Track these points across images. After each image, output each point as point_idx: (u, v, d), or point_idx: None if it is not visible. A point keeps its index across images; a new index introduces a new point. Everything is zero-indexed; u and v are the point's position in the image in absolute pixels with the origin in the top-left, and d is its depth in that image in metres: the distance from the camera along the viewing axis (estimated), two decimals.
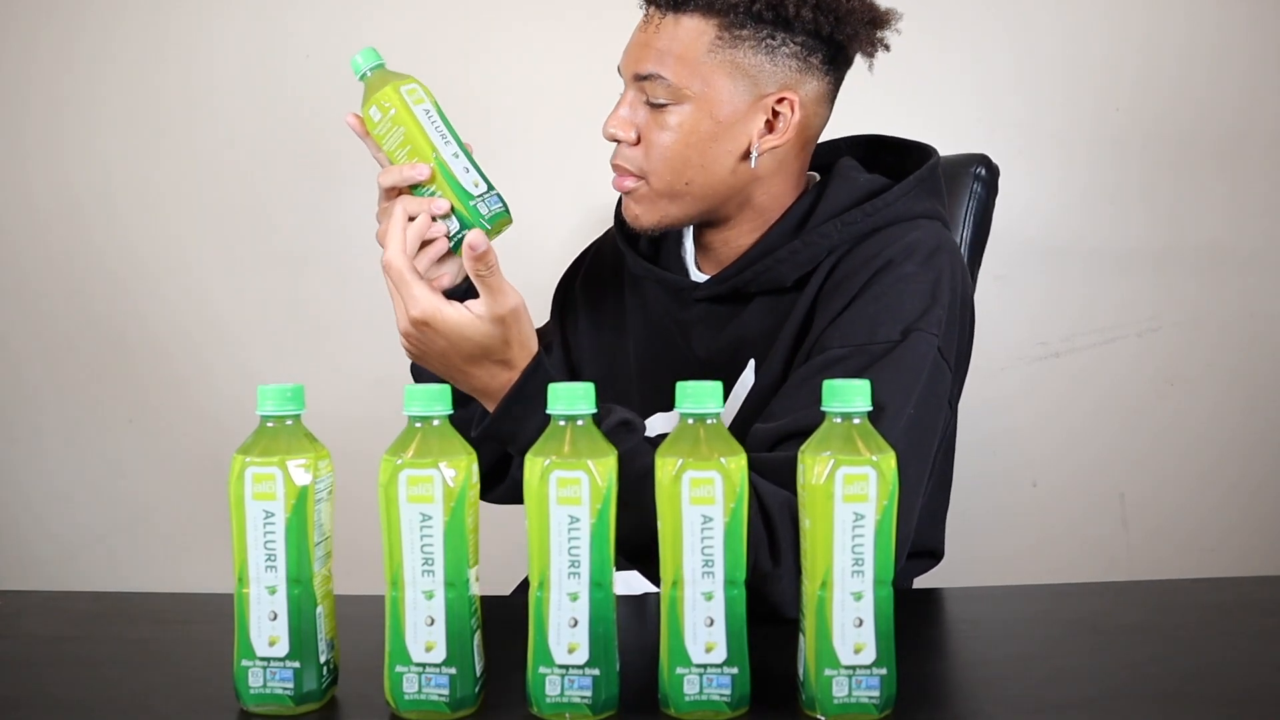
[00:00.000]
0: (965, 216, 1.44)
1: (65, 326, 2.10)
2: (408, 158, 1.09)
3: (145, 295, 2.09)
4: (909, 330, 1.12)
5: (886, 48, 1.23)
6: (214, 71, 2.05)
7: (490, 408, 1.06)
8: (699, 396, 0.83)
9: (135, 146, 2.07)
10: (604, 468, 0.81)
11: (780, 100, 1.19)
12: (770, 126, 1.20)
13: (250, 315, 2.08)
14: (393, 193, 1.10)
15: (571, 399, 0.83)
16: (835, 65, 1.22)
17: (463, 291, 1.12)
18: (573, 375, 1.41)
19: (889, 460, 0.81)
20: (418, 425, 0.84)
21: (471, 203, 1.09)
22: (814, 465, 0.81)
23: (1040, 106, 1.96)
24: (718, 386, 0.84)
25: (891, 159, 1.29)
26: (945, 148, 1.55)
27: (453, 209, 1.08)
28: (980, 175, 1.44)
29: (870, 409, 0.82)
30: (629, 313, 1.36)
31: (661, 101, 1.18)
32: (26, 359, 2.10)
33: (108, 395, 2.10)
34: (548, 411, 0.84)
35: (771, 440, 1.09)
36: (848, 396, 0.82)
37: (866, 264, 1.17)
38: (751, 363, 1.23)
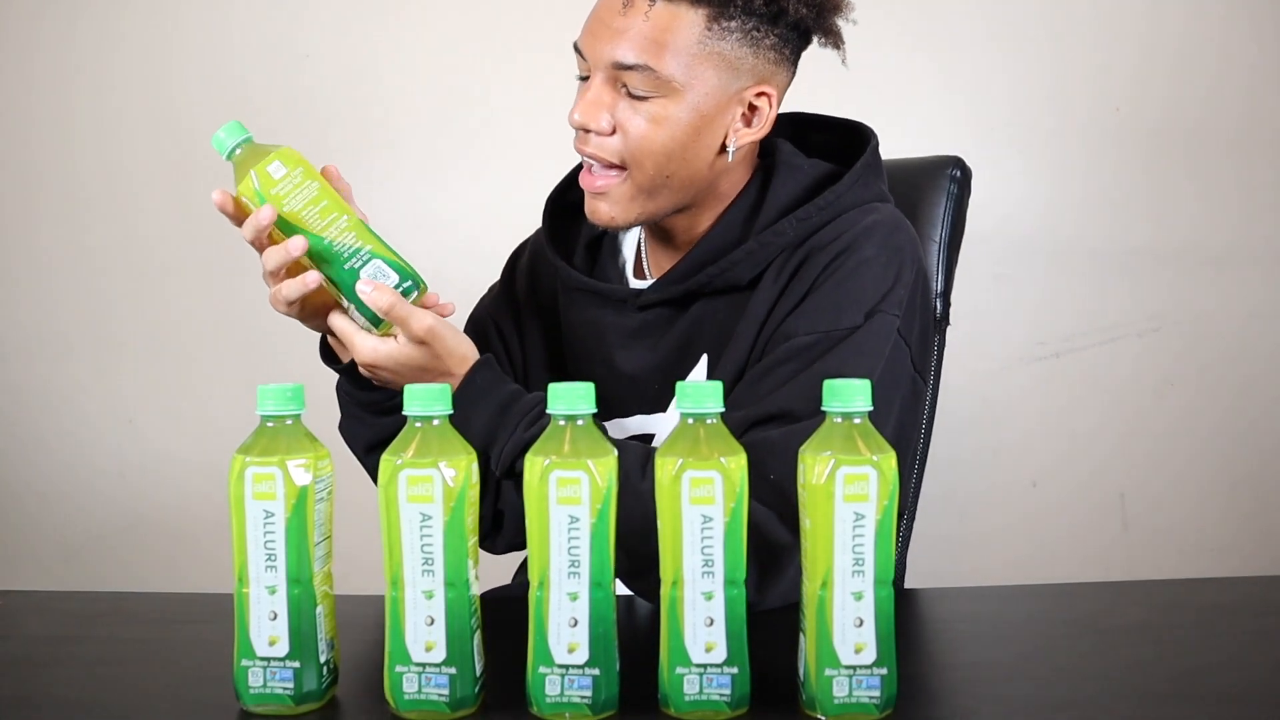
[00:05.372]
0: (943, 217, 1.47)
1: (65, 326, 2.10)
2: (320, 216, 1.05)
3: (145, 295, 2.09)
4: (872, 313, 1.13)
5: (842, 39, 1.22)
6: (214, 70, 2.06)
7: None
8: (699, 396, 0.83)
9: (135, 145, 2.07)
10: (604, 468, 0.81)
11: (760, 94, 1.17)
12: (746, 120, 1.18)
13: (250, 315, 2.07)
14: (280, 273, 1.08)
15: (571, 399, 0.83)
16: (798, 55, 1.21)
17: None
18: (519, 363, 1.36)
19: (889, 460, 0.81)
20: (418, 425, 0.84)
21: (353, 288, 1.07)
22: (814, 465, 0.81)
23: (1040, 106, 1.96)
24: (718, 386, 0.84)
25: (822, 138, 1.28)
26: (943, 147, 1.55)
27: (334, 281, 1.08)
28: (955, 176, 1.47)
29: (871, 409, 0.83)
30: (564, 321, 1.32)
31: (643, 93, 1.14)
32: (27, 359, 2.10)
33: (108, 395, 2.10)
34: (547, 411, 0.84)
35: (741, 427, 1.08)
36: (848, 396, 0.82)
37: (825, 249, 1.16)
38: (704, 359, 1.22)
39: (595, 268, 1.31)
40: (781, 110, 1.24)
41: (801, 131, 1.30)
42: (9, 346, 2.10)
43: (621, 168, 1.16)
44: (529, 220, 1.31)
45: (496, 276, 1.40)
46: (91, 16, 2.06)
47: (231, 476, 0.84)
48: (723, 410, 0.84)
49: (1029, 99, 1.96)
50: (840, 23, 1.21)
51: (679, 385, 0.83)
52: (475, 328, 1.34)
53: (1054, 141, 1.96)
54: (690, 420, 0.83)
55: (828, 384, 0.83)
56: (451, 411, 0.85)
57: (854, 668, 0.81)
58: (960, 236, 1.51)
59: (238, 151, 1.08)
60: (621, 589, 0.88)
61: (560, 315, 1.31)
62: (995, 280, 1.93)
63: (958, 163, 1.50)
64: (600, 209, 1.19)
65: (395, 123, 2.02)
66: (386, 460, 0.83)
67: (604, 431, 1.06)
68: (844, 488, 0.80)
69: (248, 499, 0.84)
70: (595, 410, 0.84)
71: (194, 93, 2.06)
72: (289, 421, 0.86)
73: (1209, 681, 0.89)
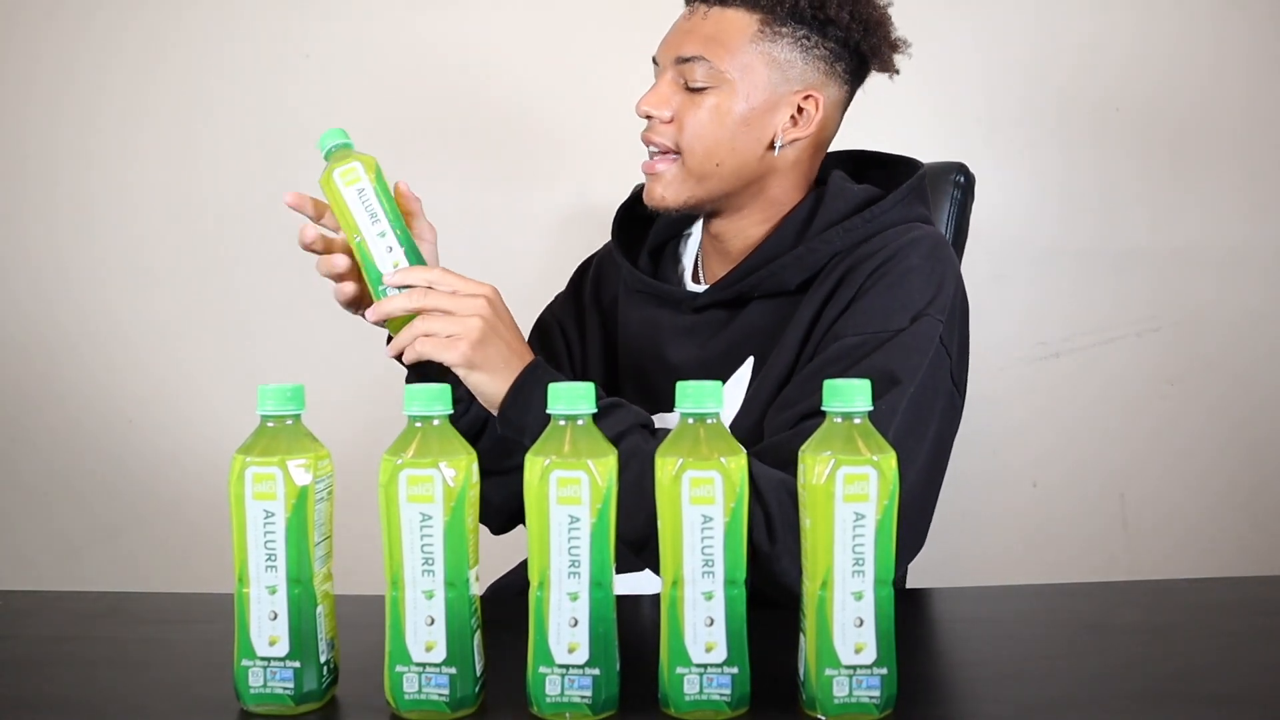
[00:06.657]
0: (947, 221, 1.52)
1: (66, 326, 2.10)
2: (346, 234, 1.15)
3: (146, 294, 2.09)
4: (918, 316, 1.18)
5: (898, 71, 1.34)
6: (216, 70, 2.06)
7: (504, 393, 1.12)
8: (699, 396, 0.83)
9: (136, 145, 2.07)
10: (604, 468, 0.81)
11: (807, 97, 1.27)
12: (795, 121, 1.28)
13: (250, 315, 2.07)
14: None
15: (572, 399, 0.83)
16: (854, 77, 1.32)
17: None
18: (579, 359, 1.45)
19: (889, 460, 0.81)
20: (418, 425, 0.84)
21: (381, 285, 1.13)
22: (814, 465, 0.81)
23: (1039, 107, 1.96)
24: (718, 386, 0.84)
25: (878, 173, 1.37)
26: (942, 150, 1.56)
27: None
28: (959, 182, 1.52)
29: (870, 409, 0.83)
30: (621, 319, 1.41)
31: (700, 84, 1.25)
32: (27, 358, 2.10)
33: (108, 395, 2.10)
34: (548, 410, 0.84)
35: (792, 422, 1.14)
36: (848, 396, 0.82)
37: (871, 257, 1.23)
38: (750, 360, 1.28)
39: (657, 273, 1.41)
40: (840, 149, 1.37)
41: (859, 169, 1.39)
42: (9, 346, 2.10)
43: (676, 152, 1.27)
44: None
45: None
46: (93, 16, 2.06)
47: (231, 476, 0.84)
48: (720, 410, 0.84)
49: (1028, 99, 1.96)
50: (898, 57, 1.32)
51: (679, 385, 0.84)
52: (541, 328, 1.44)
53: (1054, 142, 1.96)
54: (690, 420, 0.83)
55: (828, 384, 0.83)
56: (451, 411, 0.86)
57: (854, 668, 0.81)
58: (964, 242, 1.53)
59: (335, 149, 1.16)
60: (621, 589, 0.88)
61: (619, 315, 1.41)
62: (995, 280, 1.93)
63: (961, 169, 1.53)
64: (654, 190, 1.29)
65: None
66: (386, 460, 0.83)
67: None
68: (844, 488, 0.80)
69: (248, 499, 0.84)
70: (595, 410, 0.85)
71: (196, 89, 2.06)
72: (289, 421, 0.86)
73: (1209, 681, 0.89)
